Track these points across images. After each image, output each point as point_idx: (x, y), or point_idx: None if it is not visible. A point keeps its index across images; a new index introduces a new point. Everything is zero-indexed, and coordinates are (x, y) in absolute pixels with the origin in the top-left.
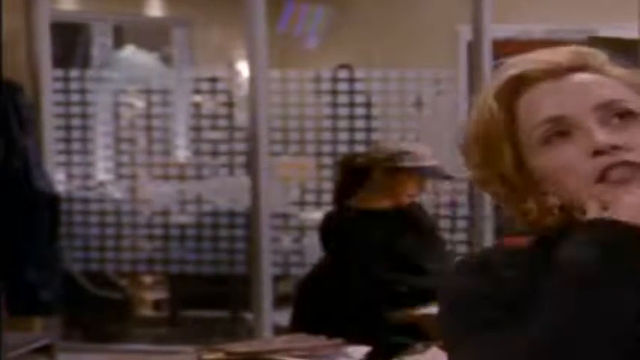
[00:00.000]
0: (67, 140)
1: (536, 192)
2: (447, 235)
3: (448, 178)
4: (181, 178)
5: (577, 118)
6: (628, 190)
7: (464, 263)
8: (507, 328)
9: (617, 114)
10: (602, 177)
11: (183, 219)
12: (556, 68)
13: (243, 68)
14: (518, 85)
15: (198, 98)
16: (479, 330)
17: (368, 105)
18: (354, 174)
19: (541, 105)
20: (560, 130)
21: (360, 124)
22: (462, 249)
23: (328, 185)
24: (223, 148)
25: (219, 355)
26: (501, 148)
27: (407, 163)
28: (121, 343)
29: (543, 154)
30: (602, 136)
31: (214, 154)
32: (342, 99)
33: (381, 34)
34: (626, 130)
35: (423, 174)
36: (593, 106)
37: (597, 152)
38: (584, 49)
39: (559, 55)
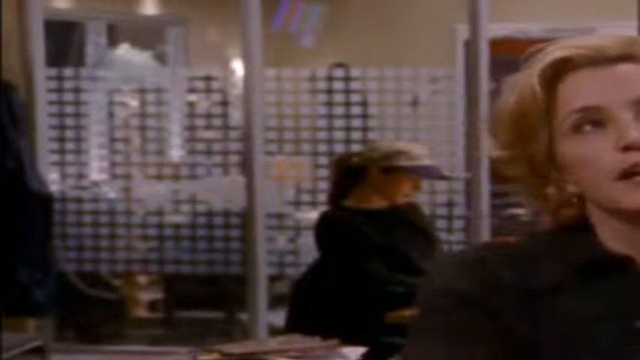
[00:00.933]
0: (61, 139)
1: (558, 179)
2: (443, 235)
3: (444, 177)
4: (176, 177)
5: (613, 110)
6: None
7: (451, 261)
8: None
9: None
10: (625, 174)
11: (178, 219)
12: (601, 56)
13: (238, 67)
14: (562, 68)
15: (192, 97)
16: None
17: (364, 104)
18: (350, 174)
19: (579, 92)
20: (594, 119)
21: (356, 123)
22: (459, 249)
23: (324, 185)
24: (218, 147)
25: (214, 356)
26: (537, 129)
27: (403, 163)
28: (115, 344)
29: (572, 141)
30: (636, 132)
31: (209, 153)
32: (338, 98)
33: (377, 32)
34: None
35: (418, 173)
36: (631, 100)
37: (627, 147)
38: (634, 38)
39: (606, 42)
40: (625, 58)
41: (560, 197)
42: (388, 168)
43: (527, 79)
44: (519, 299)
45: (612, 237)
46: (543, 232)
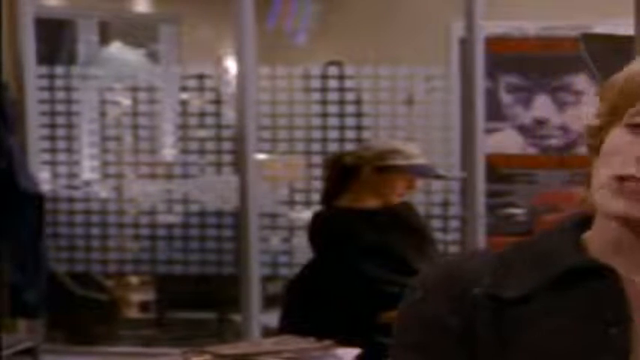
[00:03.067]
0: (52, 139)
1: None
2: (439, 235)
3: (439, 177)
4: (168, 177)
5: None
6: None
7: (430, 279)
8: None
9: None
10: (623, 178)
11: (170, 219)
12: None
13: (231, 65)
14: None
15: (185, 96)
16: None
17: (358, 102)
18: (343, 173)
19: None
20: None
21: (350, 121)
22: (454, 249)
23: (318, 184)
24: (211, 146)
25: (207, 357)
26: (623, 110)
27: (396, 162)
28: (106, 345)
29: (620, 131)
30: None
31: (202, 152)
32: (332, 96)
33: (372, 30)
34: None
35: (412, 172)
36: None
37: None
38: None
39: None
40: None
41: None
42: (382, 167)
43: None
44: (491, 311)
45: (601, 239)
46: (525, 241)
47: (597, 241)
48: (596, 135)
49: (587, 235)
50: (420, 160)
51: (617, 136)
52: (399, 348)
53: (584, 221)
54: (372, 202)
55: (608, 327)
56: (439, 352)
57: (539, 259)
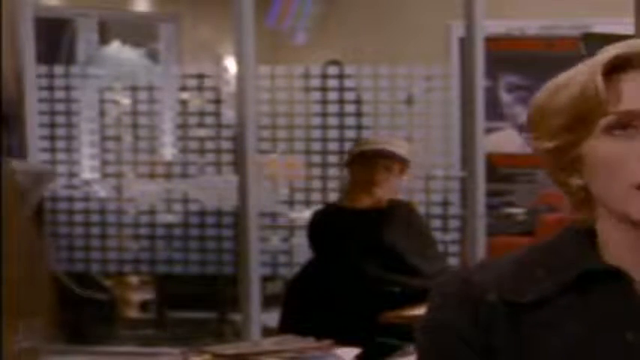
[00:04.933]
0: (52, 138)
1: (578, 174)
2: (438, 235)
3: (401, 159)
4: (168, 176)
5: None
6: None
7: (448, 289)
8: None
9: None
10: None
11: (170, 218)
12: None
13: (230, 65)
14: (616, 67)
15: (185, 95)
16: None
17: (358, 102)
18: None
19: (625, 94)
20: (631, 124)
21: (350, 121)
22: (454, 248)
23: (317, 184)
24: (210, 145)
25: (207, 357)
26: (591, 121)
27: (361, 148)
28: (106, 345)
29: (605, 142)
30: None
31: (201, 152)
32: (332, 96)
33: (372, 29)
34: None
35: (375, 157)
36: None
37: None
38: None
39: None
40: None
41: (575, 193)
42: (362, 161)
43: (590, 70)
44: (508, 317)
45: (616, 245)
46: (540, 244)
47: (611, 246)
48: (565, 153)
49: (599, 242)
50: (386, 146)
51: (605, 148)
52: (421, 357)
53: (590, 228)
54: (366, 201)
55: (626, 331)
56: None
57: (556, 263)
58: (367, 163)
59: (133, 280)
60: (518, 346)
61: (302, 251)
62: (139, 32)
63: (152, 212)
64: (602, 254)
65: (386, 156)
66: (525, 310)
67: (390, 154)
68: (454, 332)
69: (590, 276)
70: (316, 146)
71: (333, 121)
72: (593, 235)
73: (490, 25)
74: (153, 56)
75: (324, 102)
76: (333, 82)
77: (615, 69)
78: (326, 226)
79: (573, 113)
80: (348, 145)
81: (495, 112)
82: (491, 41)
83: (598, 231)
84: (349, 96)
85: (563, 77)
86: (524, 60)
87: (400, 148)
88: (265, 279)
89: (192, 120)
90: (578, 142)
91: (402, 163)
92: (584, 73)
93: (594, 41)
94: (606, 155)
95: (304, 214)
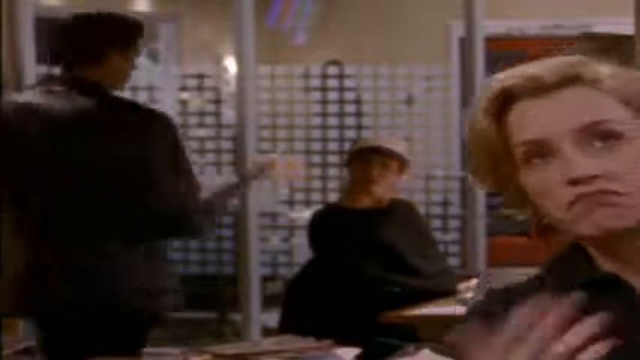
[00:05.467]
0: None
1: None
2: (438, 235)
3: (399, 157)
4: None
5: (555, 142)
6: (589, 218)
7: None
8: None
9: (600, 137)
10: (572, 204)
11: None
12: (538, 86)
13: (230, 65)
14: (505, 100)
15: (185, 95)
16: None
17: (358, 102)
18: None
19: (522, 125)
20: (541, 152)
21: (350, 121)
22: (455, 248)
23: (317, 184)
24: (211, 145)
25: (207, 357)
26: (498, 160)
27: (360, 146)
28: None
29: (527, 172)
30: (580, 166)
31: (202, 151)
32: (332, 96)
33: (372, 29)
34: (610, 154)
35: (372, 153)
36: (573, 129)
37: (573, 182)
38: (576, 60)
39: (545, 69)
40: (568, 82)
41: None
42: (355, 158)
43: (476, 114)
44: None
45: (600, 255)
46: (549, 260)
47: (602, 257)
48: (506, 188)
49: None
50: (383, 144)
51: (529, 178)
52: None
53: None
54: (366, 201)
55: (633, 336)
56: None
57: (560, 276)
58: (364, 160)
59: None
60: None
61: (302, 251)
62: None
63: None
64: (601, 265)
65: (382, 153)
66: None
67: (387, 151)
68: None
69: (592, 287)
70: (316, 146)
71: (333, 121)
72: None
73: (490, 25)
74: (153, 56)
75: (324, 102)
76: (333, 82)
77: (507, 100)
78: (326, 226)
79: (488, 156)
80: (348, 145)
81: None
82: (491, 41)
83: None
84: (349, 96)
85: (472, 112)
86: (524, 60)
87: (397, 146)
88: (265, 279)
89: (193, 120)
90: (510, 176)
91: (400, 161)
92: (480, 111)
93: (594, 41)
94: (534, 186)
95: (304, 214)
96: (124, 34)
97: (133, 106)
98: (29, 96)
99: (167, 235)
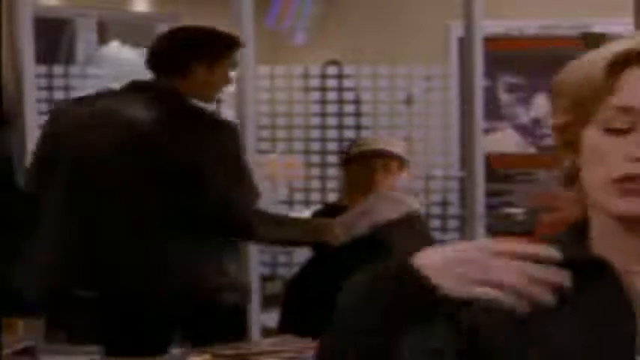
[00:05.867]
0: None
1: (573, 159)
2: (438, 235)
3: (399, 157)
4: None
5: None
6: (632, 199)
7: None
8: None
9: None
10: (623, 179)
11: None
12: None
13: None
14: (626, 60)
15: None
16: None
17: (357, 102)
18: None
19: (625, 88)
20: (626, 119)
21: (349, 121)
22: None
23: (317, 184)
24: None
25: (206, 357)
26: (590, 109)
27: (360, 149)
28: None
29: (597, 134)
30: None
31: None
32: (331, 96)
33: (371, 29)
34: None
35: (374, 156)
36: None
37: (638, 160)
38: None
39: None
40: None
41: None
42: (357, 160)
43: (599, 58)
44: (503, 315)
45: (603, 236)
46: (538, 242)
47: (598, 237)
48: (567, 132)
49: (591, 232)
50: (384, 146)
51: (597, 139)
52: None
53: (585, 222)
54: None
55: (614, 323)
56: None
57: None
58: (366, 163)
59: None
60: (516, 344)
61: (302, 251)
62: (139, 32)
63: None
64: (591, 246)
65: (384, 155)
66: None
67: (388, 154)
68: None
69: (578, 268)
70: (315, 146)
71: (332, 121)
72: (586, 228)
73: (489, 25)
74: None
75: (324, 102)
76: (332, 82)
77: (626, 62)
78: None
79: (575, 97)
80: (347, 145)
81: (494, 112)
82: (490, 41)
83: (590, 220)
84: (348, 96)
85: (581, 59)
86: (523, 60)
87: (397, 147)
88: (265, 279)
89: None
90: (577, 124)
91: (400, 160)
92: (595, 60)
93: (593, 41)
94: (596, 146)
95: (304, 214)
96: (210, 48)
97: (200, 114)
98: (112, 100)
99: (220, 233)
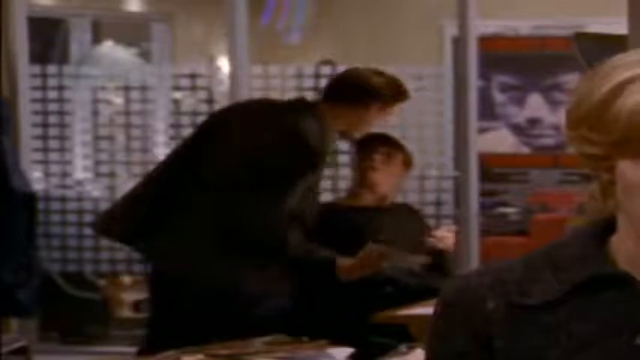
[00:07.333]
0: (45, 138)
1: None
2: None
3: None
4: None
5: None
6: None
7: (446, 296)
8: None
9: None
10: None
11: None
12: None
13: (223, 64)
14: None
15: (178, 95)
16: None
17: None
18: None
19: None
20: None
21: None
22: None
23: None
24: None
25: (200, 356)
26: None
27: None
28: (99, 344)
29: (634, 166)
30: None
31: None
32: None
33: (365, 29)
34: None
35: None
36: None
37: None
38: None
39: None
40: None
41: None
42: (358, 149)
43: (626, 82)
44: (513, 321)
45: (629, 251)
46: (547, 246)
47: (623, 248)
48: (604, 161)
49: (612, 241)
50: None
51: (635, 171)
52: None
53: (608, 226)
54: (368, 200)
55: (634, 336)
56: None
57: (564, 266)
58: (367, 148)
59: (126, 280)
60: (523, 350)
61: None
62: (132, 32)
63: None
64: (611, 256)
65: (388, 142)
66: (533, 312)
67: (393, 141)
68: (450, 344)
69: (598, 280)
70: None
71: None
72: (600, 235)
73: (483, 25)
74: (145, 56)
75: None
76: (326, 82)
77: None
78: (323, 226)
79: (628, 129)
80: (340, 145)
81: (488, 112)
82: (484, 41)
83: (617, 227)
84: None
85: (628, 72)
86: (517, 60)
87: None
88: None
89: (185, 119)
90: (616, 156)
91: (404, 155)
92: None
93: (587, 41)
94: (634, 180)
95: None
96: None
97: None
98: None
99: (258, 251)
